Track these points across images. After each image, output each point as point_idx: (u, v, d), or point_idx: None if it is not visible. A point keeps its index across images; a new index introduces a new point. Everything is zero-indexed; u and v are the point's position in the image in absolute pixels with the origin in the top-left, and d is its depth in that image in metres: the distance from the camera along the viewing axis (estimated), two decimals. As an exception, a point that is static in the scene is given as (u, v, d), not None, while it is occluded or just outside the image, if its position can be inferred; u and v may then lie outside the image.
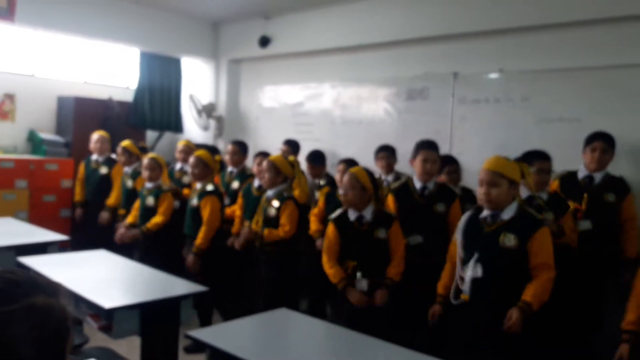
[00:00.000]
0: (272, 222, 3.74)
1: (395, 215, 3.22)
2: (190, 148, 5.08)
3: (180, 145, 5.22)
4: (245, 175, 4.88)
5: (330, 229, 3.18)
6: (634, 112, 3.80)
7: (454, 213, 3.34)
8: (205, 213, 3.94)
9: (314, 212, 4.11)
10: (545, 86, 4.21)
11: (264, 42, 6.08)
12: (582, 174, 3.56)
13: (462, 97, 4.64)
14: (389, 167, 4.35)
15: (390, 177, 4.29)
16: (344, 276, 3.08)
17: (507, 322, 2.43)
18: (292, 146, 5.15)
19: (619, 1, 3.81)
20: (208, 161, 4.08)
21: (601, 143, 3.47)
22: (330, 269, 3.12)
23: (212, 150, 4.98)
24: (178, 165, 5.19)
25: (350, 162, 4.17)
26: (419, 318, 3.00)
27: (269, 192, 3.80)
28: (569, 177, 3.56)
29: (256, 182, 4.24)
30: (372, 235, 3.12)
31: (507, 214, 2.59)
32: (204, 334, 2.40)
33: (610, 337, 2.47)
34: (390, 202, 3.49)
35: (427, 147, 3.49)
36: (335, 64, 5.67)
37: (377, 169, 4.24)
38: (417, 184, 3.53)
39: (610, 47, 3.96)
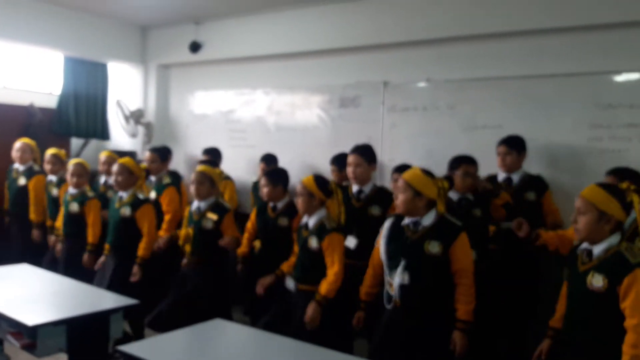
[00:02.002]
0: (209, 234, 3.65)
1: (334, 227, 3.15)
2: (113, 159, 4.89)
3: (102, 156, 4.90)
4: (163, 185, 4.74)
5: None
6: (548, 118, 4.05)
7: None
8: (145, 223, 3.86)
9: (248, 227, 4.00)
10: (469, 95, 4.40)
11: (195, 47, 6.00)
12: (501, 176, 3.78)
13: (392, 105, 4.77)
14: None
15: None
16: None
17: (453, 347, 2.58)
18: (213, 154, 5.07)
19: (536, 15, 4.04)
20: (132, 168, 3.96)
21: (503, 147, 3.74)
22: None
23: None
24: (102, 179, 4.93)
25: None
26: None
27: (202, 204, 3.71)
28: (490, 180, 3.74)
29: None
30: (307, 242, 3.16)
31: (427, 220, 2.70)
32: (136, 349, 2.34)
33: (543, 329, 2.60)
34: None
35: (353, 151, 3.68)
36: (269, 70, 5.67)
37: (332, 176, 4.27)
38: (354, 188, 3.66)
39: (529, 58, 4.20)
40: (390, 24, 4.69)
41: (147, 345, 2.50)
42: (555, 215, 3.70)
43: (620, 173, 3.24)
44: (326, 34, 5.08)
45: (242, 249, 3.90)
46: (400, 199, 2.71)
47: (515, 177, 3.74)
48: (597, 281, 2.20)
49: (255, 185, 4.89)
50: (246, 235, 3.93)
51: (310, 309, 3.00)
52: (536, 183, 3.73)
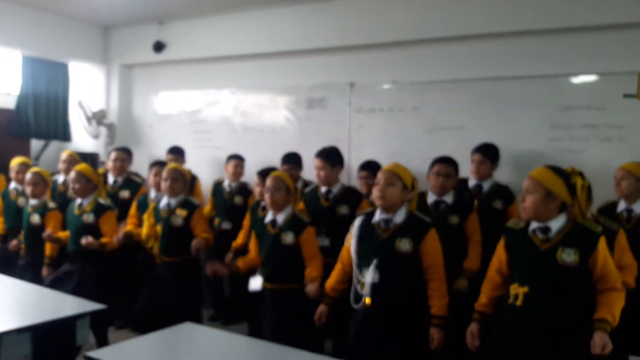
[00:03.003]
0: (178, 232, 3.64)
1: (309, 221, 3.24)
2: (74, 158, 4.81)
3: (64, 155, 4.86)
4: (135, 184, 4.71)
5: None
6: (510, 119, 4.16)
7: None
8: (108, 230, 3.81)
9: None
10: (433, 97, 4.48)
11: (159, 47, 5.92)
12: (471, 182, 3.84)
13: (358, 107, 4.82)
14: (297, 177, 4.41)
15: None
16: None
17: (432, 343, 2.62)
18: (178, 153, 5.05)
19: (498, 19, 4.15)
20: (90, 175, 3.90)
21: (478, 155, 3.78)
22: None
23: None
24: (61, 178, 4.83)
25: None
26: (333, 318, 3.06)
27: (173, 201, 3.70)
28: (461, 185, 3.81)
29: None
30: (279, 239, 3.17)
31: (399, 217, 2.73)
32: (105, 354, 2.31)
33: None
34: (301, 207, 3.63)
35: (317, 155, 3.76)
36: (235, 70, 5.64)
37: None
38: (323, 189, 3.72)
39: (491, 61, 4.31)
40: (356, 26, 4.74)
41: (116, 351, 2.46)
42: None
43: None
44: (293, 35, 5.09)
45: (238, 241, 3.97)
46: (389, 191, 2.70)
47: (486, 185, 3.80)
48: (568, 255, 2.29)
49: (216, 186, 4.89)
50: (243, 231, 4.01)
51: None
52: (504, 193, 3.79)
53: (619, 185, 3.38)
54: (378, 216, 2.76)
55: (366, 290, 2.69)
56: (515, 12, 4.09)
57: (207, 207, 4.83)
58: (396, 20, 4.55)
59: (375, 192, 2.74)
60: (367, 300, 2.70)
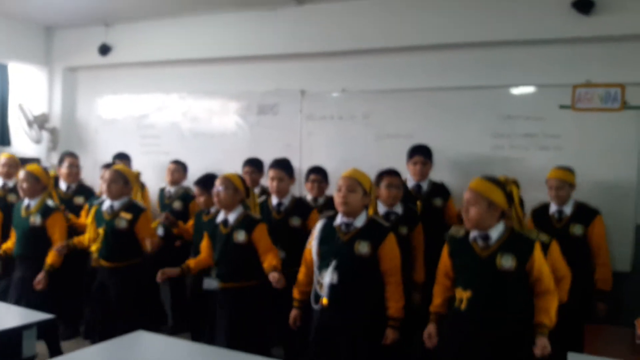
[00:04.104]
0: (122, 235, 3.57)
1: (260, 219, 3.30)
2: (14, 162, 4.65)
3: (2, 158, 4.69)
4: (89, 190, 4.63)
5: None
6: (455, 128, 4.32)
7: (311, 225, 3.48)
8: (55, 231, 3.72)
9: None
10: (382, 105, 4.60)
11: (104, 50, 5.79)
12: (410, 183, 3.98)
13: (309, 114, 4.88)
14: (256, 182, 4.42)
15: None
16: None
17: (386, 341, 2.73)
18: (124, 159, 4.99)
19: (444, 31, 4.31)
20: (39, 176, 3.79)
21: (420, 157, 3.93)
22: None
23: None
24: (0, 182, 4.66)
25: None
26: (285, 324, 3.12)
27: (116, 203, 3.62)
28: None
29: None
30: (231, 238, 3.18)
31: (359, 222, 2.83)
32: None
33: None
34: None
35: (275, 166, 3.80)
36: (184, 75, 5.58)
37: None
38: (274, 201, 3.76)
39: (437, 71, 4.47)
40: (308, 34, 4.80)
41: (68, 361, 2.41)
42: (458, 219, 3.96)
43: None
44: (244, 41, 5.09)
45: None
46: (351, 198, 2.78)
47: (425, 185, 3.97)
48: (506, 261, 2.45)
49: (161, 191, 4.83)
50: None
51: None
52: (441, 190, 3.99)
53: (557, 192, 3.60)
54: (339, 220, 2.85)
55: (324, 290, 2.76)
56: (459, 25, 4.26)
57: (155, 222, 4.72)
58: (347, 30, 4.65)
59: (338, 199, 2.82)
60: (324, 300, 2.77)
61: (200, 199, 3.83)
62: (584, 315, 3.42)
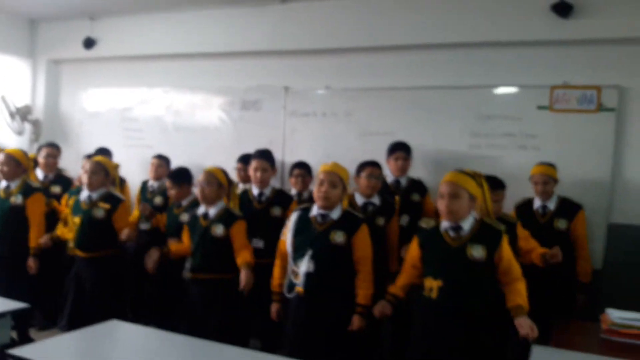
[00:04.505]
0: (99, 225, 3.57)
1: (241, 215, 3.33)
2: None
3: None
4: (66, 180, 4.62)
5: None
6: (435, 126, 4.38)
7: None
8: (35, 211, 3.77)
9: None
10: (365, 103, 4.64)
11: (89, 43, 5.78)
12: (389, 179, 4.03)
13: (293, 110, 4.91)
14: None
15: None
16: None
17: (352, 327, 2.77)
18: (105, 154, 4.91)
19: (426, 31, 4.37)
20: (19, 158, 3.83)
21: (402, 153, 3.99)
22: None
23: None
24: None
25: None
26: (262, 316, 3.17)
27: (94, 194, 3.62)
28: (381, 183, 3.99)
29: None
30: (209, 230, 3.21)
31: (335, 214, 2.89)
32: (29, 352, 2.26)
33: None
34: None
35: (258, 156, 3.83)
36: (168, 69, 5.59)
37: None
38: (255, 191, 3.79)
39: (419, 70, 4.52)
40: (292, 31, 4.84)
41: (40, 349, 2.41)
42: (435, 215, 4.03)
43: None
44: (228, 37, 5.11)
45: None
46: (332, 192, 2.86)
47: (403, 180, 4.02)
48: (477, 252, 2.51)
49: (143, 185, 4.82)
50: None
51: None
52: (419, 186, 4.05)
53: (544, 187, 3.69)
54: (315, 211, 2.91)
55: (300, 279, 2.81)
56: (441, 26, 4.32)
57: (135, 212, 4.68)
58: (330, 28, 4.69)
59: (319, 193, 2.87)
60: (299, 289, 2.82)
61: (172, 192, 3.84)
62: (565, 308, 3.52)
